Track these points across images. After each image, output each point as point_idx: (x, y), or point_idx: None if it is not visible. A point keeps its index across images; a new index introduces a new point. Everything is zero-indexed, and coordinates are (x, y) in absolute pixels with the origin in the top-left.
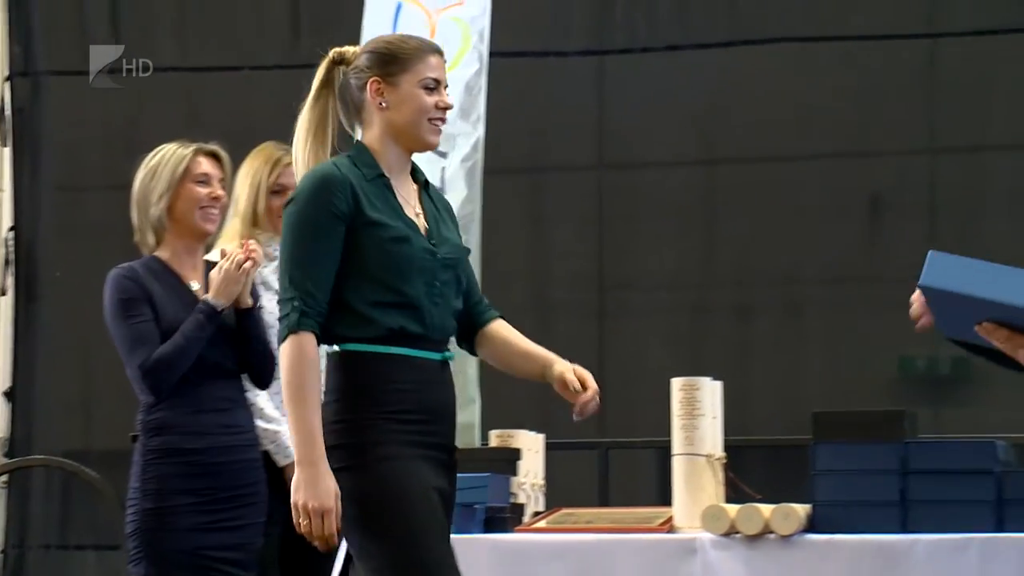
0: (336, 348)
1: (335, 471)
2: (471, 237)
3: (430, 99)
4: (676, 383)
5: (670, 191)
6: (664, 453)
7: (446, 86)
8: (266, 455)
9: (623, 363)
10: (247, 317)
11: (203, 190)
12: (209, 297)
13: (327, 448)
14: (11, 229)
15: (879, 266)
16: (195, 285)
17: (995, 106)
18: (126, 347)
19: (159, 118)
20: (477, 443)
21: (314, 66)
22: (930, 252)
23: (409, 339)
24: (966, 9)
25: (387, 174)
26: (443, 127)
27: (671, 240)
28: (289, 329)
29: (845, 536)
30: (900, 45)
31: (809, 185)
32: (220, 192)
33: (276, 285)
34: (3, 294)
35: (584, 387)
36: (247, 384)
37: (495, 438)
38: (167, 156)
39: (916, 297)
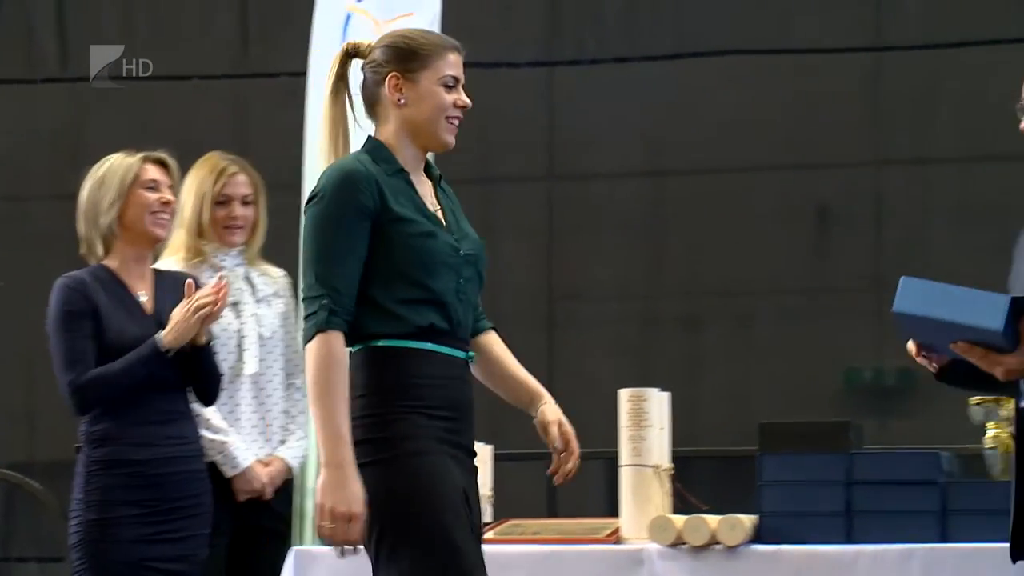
0: (359, 346)
1: (361, 467)
2: None
3: (449, 97)
4: (624, 394)
5: (619, 202)
6: (612, 464)
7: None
8: (212, 466)
9: (571, 374)
10: (201, 351)
11: (153, 196)
12: (162, 337)
13: (353, 444)
14: None
15: (826, 277)
16: (143, 296)
17: (941, 119)
18: (61, 361)
19: (105, 128)
20: None
21: (262, 75)
22: (902, 278)
23: (438, 335)
24: (912, 22)
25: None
26: None
27: (620, 251)
28: (317, 328)
29: (791, 547)
30: (847, 58)
31: (757, 196)
32: (170, 197)
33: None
34: None
35: (567, 447)
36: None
37: None
38: (115, 165)
39: (911, 347)
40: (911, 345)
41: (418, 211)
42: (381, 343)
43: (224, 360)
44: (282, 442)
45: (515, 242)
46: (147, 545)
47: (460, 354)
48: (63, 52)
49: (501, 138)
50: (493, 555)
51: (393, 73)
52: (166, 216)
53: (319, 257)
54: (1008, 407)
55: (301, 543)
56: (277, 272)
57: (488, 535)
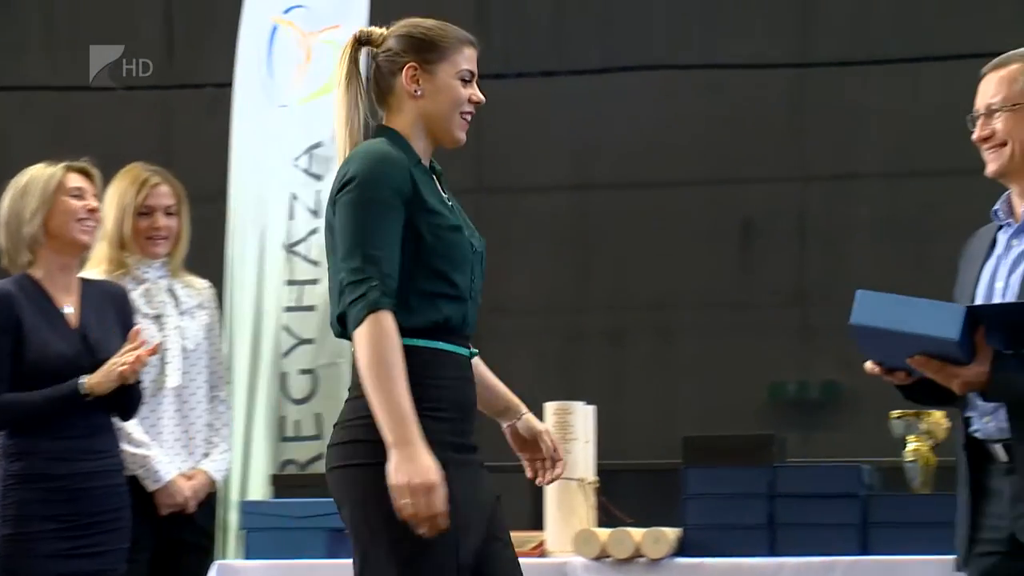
0: None
1: (361, 467)
2: None
3: (465, 92)
4: (549, 407)
5: (545, 216)
6: None
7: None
8: (133, 480)
9: None
10: (128, 388)
11: (78, 203)
12: (84, 382)
13: (353, 443)
14: None
15: (751, 292)
16: (68, 308)
17: (863, 135)
18: None
19: (27, 139)
20: None
21: (187, 86)
22: (858, 291)
23: (449, 332)
24: (835, 39)
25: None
26: (321, 152)
27: (545, 264)
28: (369, 308)
29: (714, 559)
30: (772, 74)
31: (682, 211)
32: (95, 204)
33: (145, 309)
34: None
35: (554, 455)
36: None
37: None
38: (37, 174)
39: (869, 366)
40: (870, 364)
41: (442, 204)
42: None
43: (146, 373)
44: (205, 455)
45: None
46: (64, 560)
47: (466, 352)
48: None
49: None
50: None
51: (411, 63)
52: (92, 223)
53: (363, 240)
54: (928, 420)
55: (224, 557)
56: (201, 283)
57: None
